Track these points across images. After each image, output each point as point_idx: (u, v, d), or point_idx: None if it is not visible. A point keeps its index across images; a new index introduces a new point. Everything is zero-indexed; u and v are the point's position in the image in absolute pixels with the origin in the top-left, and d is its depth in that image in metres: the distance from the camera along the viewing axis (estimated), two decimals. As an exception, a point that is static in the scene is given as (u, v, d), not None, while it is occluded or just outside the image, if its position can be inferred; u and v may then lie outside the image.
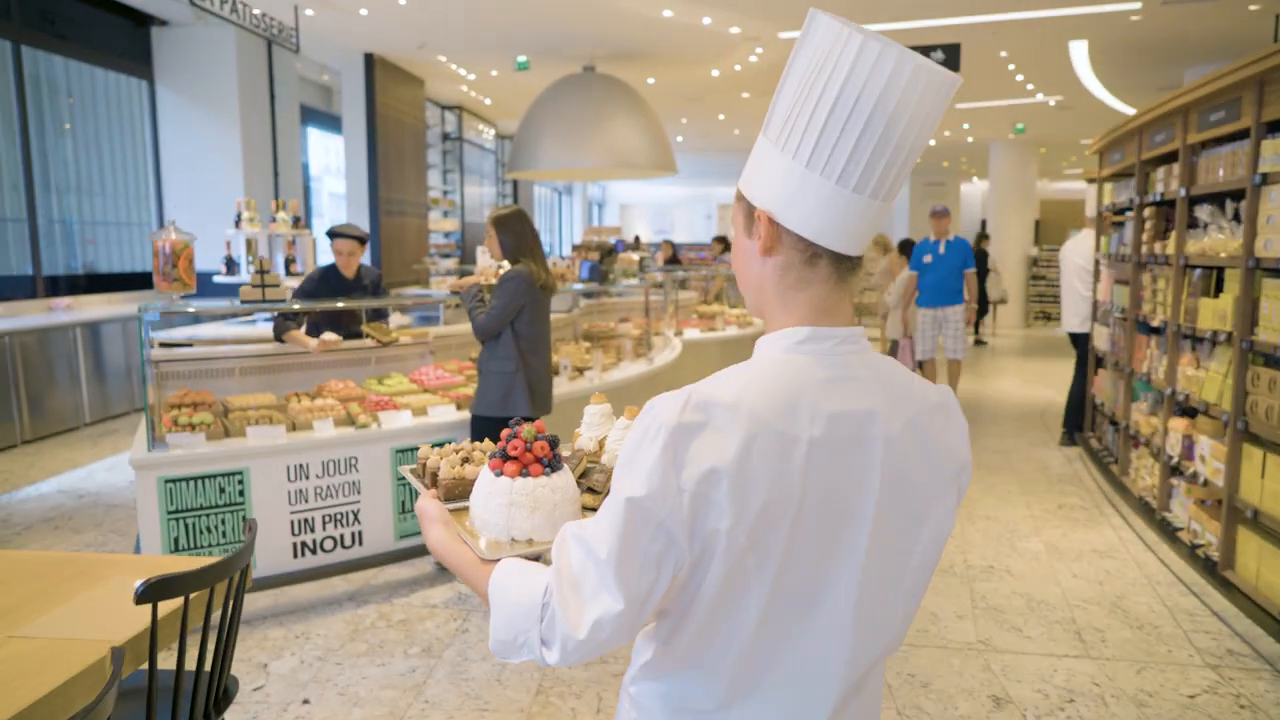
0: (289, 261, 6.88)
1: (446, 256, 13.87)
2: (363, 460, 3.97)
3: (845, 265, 0.99)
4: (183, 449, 3.54)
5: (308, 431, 3.90)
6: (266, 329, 5.38)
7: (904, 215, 25.19)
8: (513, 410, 3.83)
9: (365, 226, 10.92)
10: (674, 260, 12.14)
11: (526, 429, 1.30)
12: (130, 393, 7.97)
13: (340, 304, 4.42)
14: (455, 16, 8.91)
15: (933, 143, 18.28)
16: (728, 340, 8.56)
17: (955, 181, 24.99)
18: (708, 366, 8.57)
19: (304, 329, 4.51)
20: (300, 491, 3.79)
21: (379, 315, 4.78)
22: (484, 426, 3.89)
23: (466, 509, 1.30)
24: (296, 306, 4.29)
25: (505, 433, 1.32)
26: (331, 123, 12.79)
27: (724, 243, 12.20)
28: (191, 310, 4.23)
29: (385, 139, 11.03)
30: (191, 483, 3.51)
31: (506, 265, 3.96)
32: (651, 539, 0.90)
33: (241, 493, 3.63)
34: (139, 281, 9.56)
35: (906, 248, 9.34)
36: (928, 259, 7.85)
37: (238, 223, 6.80)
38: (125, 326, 7.90)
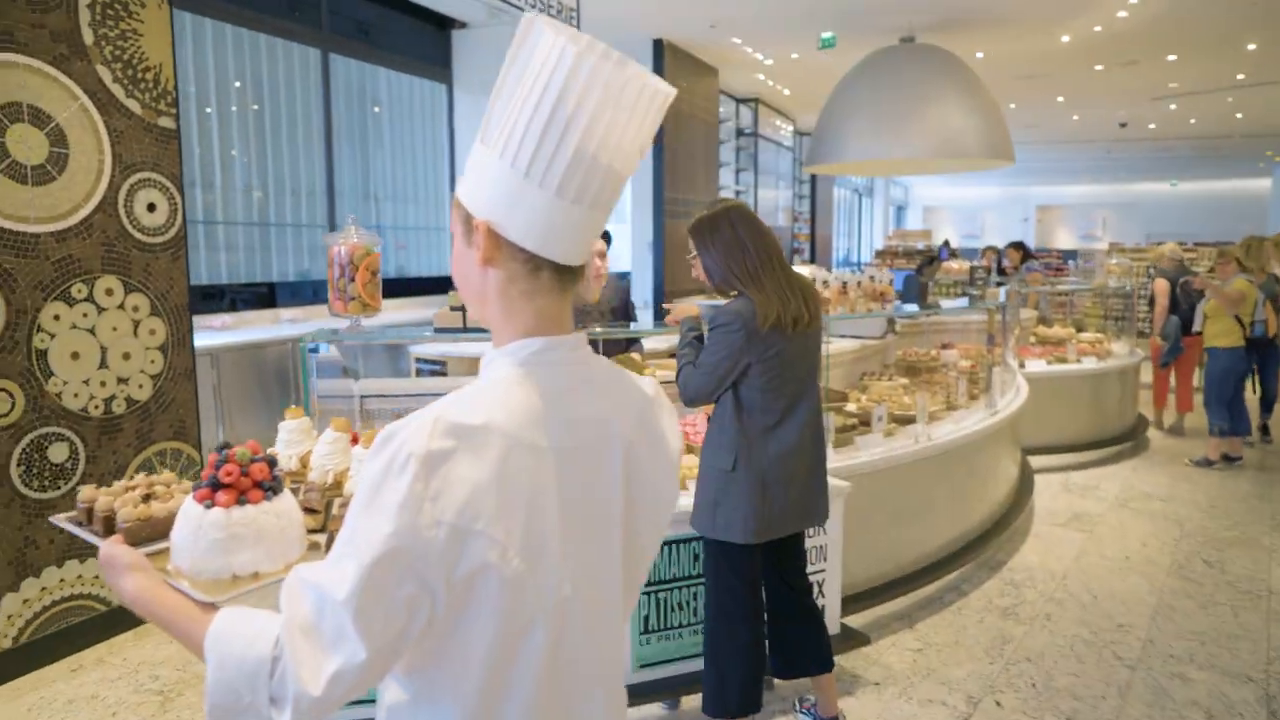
0: (554, 269, 6.11)
1: (735, 262, 12.85)
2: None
3: (567, 275, 0.97)
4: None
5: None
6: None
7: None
8: (722, 532, 2.45)
9: (649, 229, 10.17)
10: (999, 269, 10.11)
11: (240, 451, 1.21)
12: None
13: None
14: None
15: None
16: (1084, 376, 6.55)
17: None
18: (1064, 416, 6.57)
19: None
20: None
21: (630, 343, 3.70)
22: (709, 551, 2.61)
23: (163, 552, 1.17)
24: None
25: (213, 458, 1.20)
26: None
27: (1022, 249, 10.00)
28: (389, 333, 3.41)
29: (674, 135, 10.17)
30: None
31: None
32: (399, 581, 0.81)
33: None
34: (439, 286, 9.50)
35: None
36: None
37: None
38: (400, 333, 7.67)
